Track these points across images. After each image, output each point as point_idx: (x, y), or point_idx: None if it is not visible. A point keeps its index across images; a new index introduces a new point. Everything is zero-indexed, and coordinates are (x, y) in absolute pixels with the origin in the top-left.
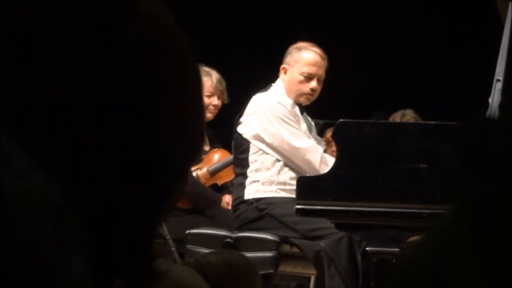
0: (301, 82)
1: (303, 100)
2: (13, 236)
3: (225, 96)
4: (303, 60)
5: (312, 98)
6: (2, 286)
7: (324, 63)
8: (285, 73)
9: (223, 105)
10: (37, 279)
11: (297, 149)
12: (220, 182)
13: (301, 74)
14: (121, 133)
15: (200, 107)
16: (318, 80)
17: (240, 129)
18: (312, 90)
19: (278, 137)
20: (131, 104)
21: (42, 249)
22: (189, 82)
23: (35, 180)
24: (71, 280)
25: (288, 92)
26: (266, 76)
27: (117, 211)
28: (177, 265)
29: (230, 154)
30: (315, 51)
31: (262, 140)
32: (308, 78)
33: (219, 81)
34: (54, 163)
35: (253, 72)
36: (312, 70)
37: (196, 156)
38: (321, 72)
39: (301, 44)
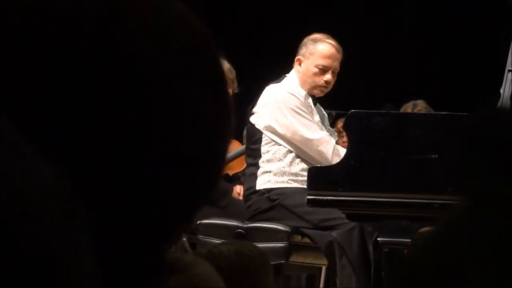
0: (315, 74)
1: (317, 92)
2: (22, 230)
3: (235, 85)
4: (318, 52)
5: (326, 90)
6: (10, 280)
7: (339, 56)
8: (299, 64)
9: (234, 94)
10: (45, 273)
11: (310, 140)
12: (231, 172)
13: (316, 66)
14: (133, 129)
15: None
16: (333, 73)
17: (252, 119)
18: (327, 82)
19: (290, 128)
20: (143, 100)
21: (50, 243)
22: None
23: (45, 174)
24: (79, 274)
25: (302, 84)
26: (278, 65)
27: (127, 207)
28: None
29: (241, 145)
30: (330, 44)
31: (275, 131)
32: (323, 70)
33: (229, 70)
34: (64, 158)
35: (264, 61)
36: (327, 62)
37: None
38: (336, 64)
39: (317, 36)
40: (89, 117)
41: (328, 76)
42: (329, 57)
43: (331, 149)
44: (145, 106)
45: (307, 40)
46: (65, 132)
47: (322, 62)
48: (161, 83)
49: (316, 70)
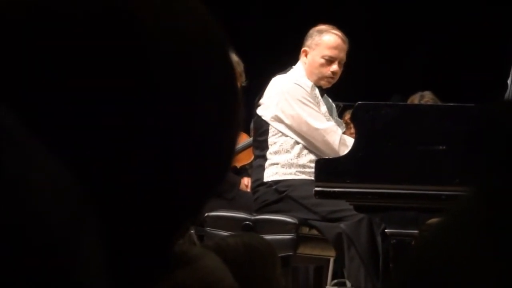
0: (322, 65)
1: (324, 83)
2: (31, 229)
3: (243, 78)
4: (325, 43)
5: (333, 81)
6: (17, 276)
7: (345, 46)
8: (305, 55)
9: (241, 87)
10: (52, 269)
11: (316, 130)
12: (238, 165)
13: (323, 57)
14: (141, 126)
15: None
16: (339, 63)
17: (259, 111)
18: (333, 73)
19: (297, 118)
20: (153, 99)
21: (58, 240)
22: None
23: (53, 171)
24: (89, 270)
25: (309, 75)
26: (285, 57)
27: (135, 200)
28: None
29: (248, 137)
30: (336, 34)
31: (281, 122)
32: (330, 61)
33: (237, 63)
34: (72, 154)
35: (271, 54)
36: (333, 53)
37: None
38: (342, 55)
39: (322, 27)
40: (97, 111)
41: (334, 67)
42: (335, 47)
43: (338, 139)
44: (153, 98)
45: (313, 31)
46: (72, 127)
47: (329, 53)
48: (170, 75)
49: (322, 61)
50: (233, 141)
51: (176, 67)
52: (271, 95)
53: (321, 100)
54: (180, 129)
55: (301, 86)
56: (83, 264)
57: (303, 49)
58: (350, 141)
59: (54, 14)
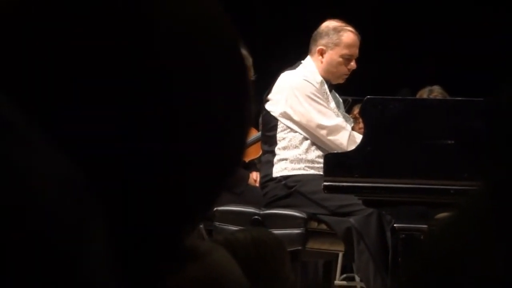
0: (340, 63)
1: (340, 80)
2: (37, 222)
3: (252, 72)
4: (343, 42)
5: (347, 77)
6: (25, 272)
7: (359, 42)
8: (321, 54)
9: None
10: (61, 264)
11: (325, 127)
12: (247, 159)
13: (342, 56)
14: (148, 116)
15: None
16: (356, 59)
17: (268, 106)
18: (351, 70)
19: (305, 115)
20: (159, 89)
21: (64, 230)
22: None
23: (59, 164)
24: (95, 265)
25: (326, 73)
26: (294, 52)
27: (145, 194)
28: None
29: (257, 131)
30: (352, 31)
31: (290, 118)
32: (348, 59)
33: (246, 57)
34: (78, 148)
35: (280, 48)
36: (352, 51)
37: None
38: (357, 51)
39: (335, 24)
40: (105, 105)
41: (352, 64)
42: (353, 45)
43: (347, 135)
44: (164, 93)
45: (327, 29)
46: (80, 120)
47: (348, 51)
48: (181, 69)
49: (341, 60)
50: (244, 135)
51: (187, 62)
52: (279, 90)
53: (330, 95)
54: (191, 123)
55: (310, 82)
56: (89, 259)
57: (319, 48)
58: (359, 137)
59: (66, 14)
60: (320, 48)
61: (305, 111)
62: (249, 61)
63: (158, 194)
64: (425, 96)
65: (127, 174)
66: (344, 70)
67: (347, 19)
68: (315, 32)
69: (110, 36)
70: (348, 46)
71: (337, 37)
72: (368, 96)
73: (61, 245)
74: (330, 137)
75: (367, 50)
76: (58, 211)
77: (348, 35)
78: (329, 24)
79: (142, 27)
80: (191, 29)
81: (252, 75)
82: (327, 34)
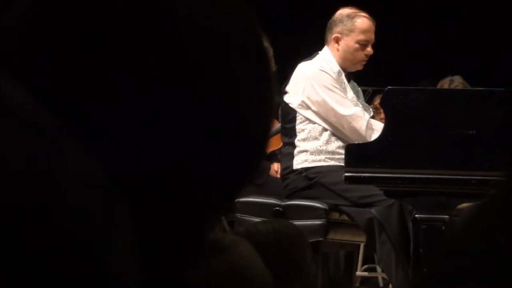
0: (357, 50)
1: (358, 66)
2: (65, 219)
3: (273, 63)
4: (358, 28)
5: (365, 62)
6: (50, 267)
7: (374, 27)
8: (337, 42)
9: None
10: (86, 261)
11: (343, 116)
12: (268, 150)
13: (358, 42)
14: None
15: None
16: (372, 45)
17: (286, 98)
18: (368, 55)
19: (323, 105)
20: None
21: (90, 230)
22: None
23: (86, 164)
24: (121, 262)
25: (343, 61)
26: (315, 43)
27: (170, 187)
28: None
29: (278, 122)
30: (365, 17)
31: (308, 109)
32: (364, 45)
33: (267, 48)
34: (103, 145)
35: (299, 39)
36: (368, 36)
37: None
38: (373, 36)
39: (348, 11)
40: (130, 102)
41: (369, 49)
42: (368, 30)
43: (365, 124)
44: (190, 88)
45: (341, 16)
46: (106, 118)
47: (363, 37)
48: (206, 62)
49: (357, 46)
50: (267, 127)
51: (211, 57)
52: (296, 82)
53: (348, 85)
54: (216, 116)
55: (326, 72)
56: (116, 254)
57: (334, 35)
58: (376, 124)
59: (92, 14)
60: (336, 36)
61: (323, 101)
62: (270, 51)
63: (182, 188)
64: (446, 86)
65: (152, 169)
66: (361, 56)
67: (370, 11)
68: (330, 21)
69: (138, 34)
70: (363, 31)
71: (351, 23)
72: (389, 87)
73: (90, 244)
74: (347, 127)
75: (388, 41)
76: (87, 210)
77: (363, 21)
78: (343, 11)
79: (168, 24)
80: (214, 24)
81: (273, 66)
82: (341, 21)
